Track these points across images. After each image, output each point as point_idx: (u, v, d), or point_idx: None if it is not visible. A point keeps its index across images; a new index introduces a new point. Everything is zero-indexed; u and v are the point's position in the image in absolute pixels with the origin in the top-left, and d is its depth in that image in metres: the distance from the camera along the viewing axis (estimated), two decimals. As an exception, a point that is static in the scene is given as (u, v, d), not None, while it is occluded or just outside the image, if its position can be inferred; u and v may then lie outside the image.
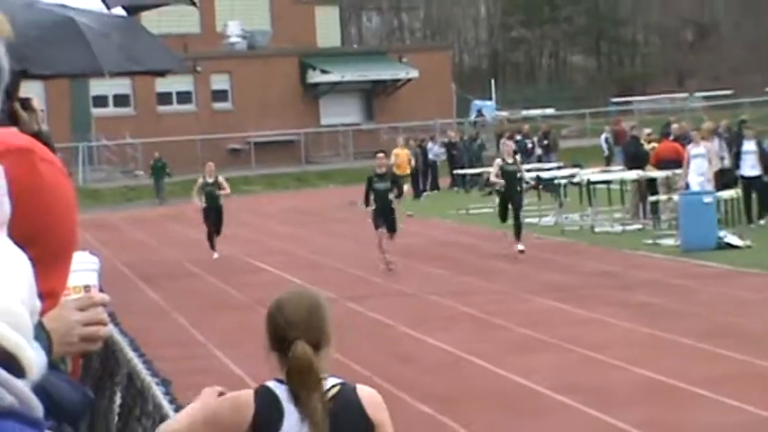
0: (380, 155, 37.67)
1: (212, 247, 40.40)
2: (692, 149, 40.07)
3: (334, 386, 7.44)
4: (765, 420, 17.81)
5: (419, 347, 24.87)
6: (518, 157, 42.26)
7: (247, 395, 7.44)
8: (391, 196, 35.17)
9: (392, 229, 34.75)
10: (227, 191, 41.12)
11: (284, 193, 75.33)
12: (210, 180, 40.43)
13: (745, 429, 17.52)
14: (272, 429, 7.31)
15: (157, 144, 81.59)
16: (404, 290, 32.77)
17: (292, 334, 7.47)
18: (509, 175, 37.98)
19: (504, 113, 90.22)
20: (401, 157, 58.13)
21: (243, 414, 7.34)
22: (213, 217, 40.18)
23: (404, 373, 22.47)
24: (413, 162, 59.69)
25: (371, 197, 35.59)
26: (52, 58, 11.51)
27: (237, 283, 33.54)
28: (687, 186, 39.49)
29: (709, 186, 39.29)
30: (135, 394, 11.07)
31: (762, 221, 41.03)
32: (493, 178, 39.66)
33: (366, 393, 7.54)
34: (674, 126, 50.73)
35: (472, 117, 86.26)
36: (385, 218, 34.46)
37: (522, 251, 37.75)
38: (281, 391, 7.36)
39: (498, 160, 38.87)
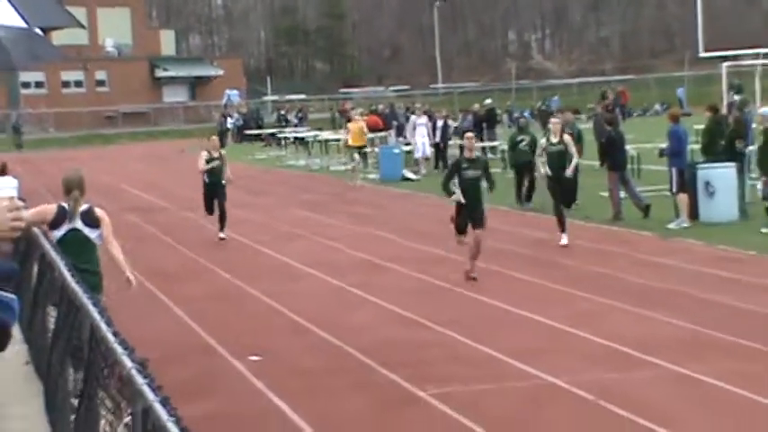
0: (469, 134, 18.96)
1: (210, 213, 24.45)
2: (417, 120, 39.66)
3: (85, 207, 11.30)
4: (433, 284, 17.89)
5: (216, 236, 24.60)
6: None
7: (54, 206, 11.34)
8: (484, 185, 18.10)
9: (481, 223, 17.81)
10: (229, 176, 24.59)
11: (141, 143, 74.40)
12: (215, 154, 24.24)
13: (417, 291, 17.57)
14: (61, 221, 11.17)
15: (61, 113, 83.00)
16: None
17: (72, 186, 11.24)
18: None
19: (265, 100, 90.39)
20: (356, 129, 37.87)
21: (50, 211, 11.27)
22: (215, 194, 24.10)
23: (214, 254, 22.25)
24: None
25: (457, 186, 17.74)
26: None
27: (112, 199, 32.87)
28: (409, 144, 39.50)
29: (429, 145, 39.24)
30: (45, 265, 10.77)
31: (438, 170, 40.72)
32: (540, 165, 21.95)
33: (98, 209, 11.50)
34: (380, 107, 50.83)
35: (223, 101, 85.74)
36: (473, 211, 17.70)
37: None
38: (66, 206, 11.21)
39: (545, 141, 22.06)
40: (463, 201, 17.66)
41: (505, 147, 38.82)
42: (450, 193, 17.87)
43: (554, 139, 21.58)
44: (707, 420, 10.17)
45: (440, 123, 40.36)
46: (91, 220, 11.30)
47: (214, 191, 24.07)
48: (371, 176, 38.76)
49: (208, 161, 24.03)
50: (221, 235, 23.97)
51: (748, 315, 14.47)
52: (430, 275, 18.59)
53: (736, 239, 20.35)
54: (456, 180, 17.87)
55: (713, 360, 12.20)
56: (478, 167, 18.08)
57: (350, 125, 38.69)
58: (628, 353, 12.73)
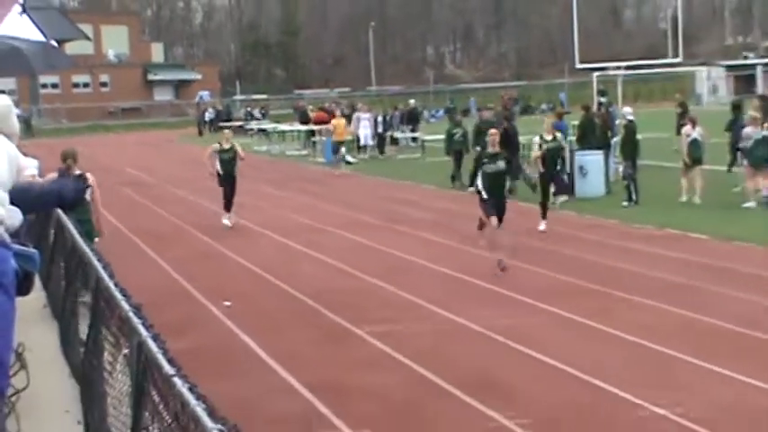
0: (493, 131, 15.76)
1: (227, 210, 20.83)
2: (362, 116, 39.17)
3: (78, 172, 10.87)
4: (365, 245, 17.89)
5: (196, 207, 24.36)
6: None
7: (55, 176, 10.82)
8: (508, 185, 15.24)
9: (501, 216, 14.73)
10: (243, 156, 20.78)
11: (135, 133, 73.49)
12: (227, 146, 20.58)
13: (354, 249, 17.58)
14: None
15: (72, 108, 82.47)
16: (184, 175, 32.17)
17: (67, 156, 12.29)
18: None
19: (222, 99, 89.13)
20: (339, 126, 35.97)
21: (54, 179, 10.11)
22: (228, 184, 20.70)
23: (194, 220, 22.07)
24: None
25: (481, 182, 14.64)
26: (8, 66, 11.31)
27: (112, 175, 32.56)
28: (358, 137, 38.64)
29: (371, 136, 38.96)
30: (60, 228, 10.61)
31: (381, 156, 39.88)
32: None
33: (88, 173, 10.26)
34: (326, 105, 50.34)
35: (196, 100, 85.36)
36: (497, 206, 14.64)
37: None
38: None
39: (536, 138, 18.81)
40: (485, 196, 14.61)
41: (426, 137, 38.97)
42: (477, 190, 14.79)
43: (548, 137, 18.54)
44: (583, 350, 10.29)
45: (380, 118, 40.29)
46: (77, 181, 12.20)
47: (227, 182, 20.70)
48: (318, 160, 38.63)
49: (219, 154, 20.63)
50: (227, 221, 20.80)
51: (610, 269, 14.65)
52: (363, 237, 18.59)
53: (603, 211, 20.56)
54: (479, 174, 14.77)
55: (586, 304, 12.33)
56: (500, 160, 14.81)
57: (334, 122, 36.69)
58: (522, 300, 12.84)
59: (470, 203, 22.23)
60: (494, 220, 14.59)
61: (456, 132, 28.10)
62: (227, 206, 20.85)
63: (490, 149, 14.93)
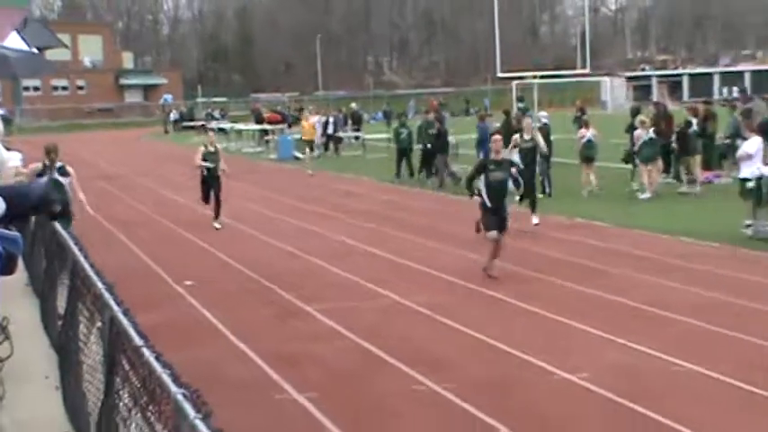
0: (497, 137, 13.79)
1: (207, 202, 18.96)
2: (318, 119, 38.38)
3: (60, 164, 12.27)
4: (310, 230, 17.84)
5: (164, 198, 24.10)
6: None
7: (40, 164, 12.03)
8: (511, 188, 13.56)
9: (504, 226, 12.87)
10: (225, 167, 18.69)
11: (108, 131, 72.55)
12: (212, 149, 18.56)
13: (301, 234, 17.49)
14: (44, 173, 11.51)
15: (51, 108, 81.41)
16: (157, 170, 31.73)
17: (50, 151, 12.35)
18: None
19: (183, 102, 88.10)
20: (307, 127, 32.56)
21: (38, 168, 11.70)
22: (212, 185, 18.62)
23: (160, 209, 21.80)
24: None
25: (484, 189, 12.73)
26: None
27: (88, 169, 32.01)
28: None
29: (321, 135, 38.35)
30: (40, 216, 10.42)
31: (328, 153, 38.76)
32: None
33: (68, 165, 12.55)
34: (278, 108, 49.92)
35: (161, 102, 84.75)
36: (498, 214, 12.75)
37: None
38: (46, 163, 12.16)
39: (516, 137, 17.32)
40: (489, 204, 12.75)
41: (367, 137, 38.92)
42: (472, 193, 13.03)
43: (526, 137, 16.91)
44: (507, 325, 10.38)
45: (331, 119, 39.98)
46: (63, 172, 12.48)
47: (211, 182, 18.74)
48: (271, 156, 38.39)
49: (205, 156, 18.61)
50: (216, 225, 18.64)
51: (531, 253, 14.77)
52: (314, 225, 18.54)
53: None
54: (482, 181, 12.84)
55: (510, 285, 12.42)
56: (505, 169, 12.95)
57: (303, 123, 34.41)
58: (453, 281, 12.90)
59: (410, 196, 22.32)
60: (493, 233, 12.70)
61: (402, 132, 27.99)
62: (207, 200, 18.96)
63: (493, 156, 13.08)
